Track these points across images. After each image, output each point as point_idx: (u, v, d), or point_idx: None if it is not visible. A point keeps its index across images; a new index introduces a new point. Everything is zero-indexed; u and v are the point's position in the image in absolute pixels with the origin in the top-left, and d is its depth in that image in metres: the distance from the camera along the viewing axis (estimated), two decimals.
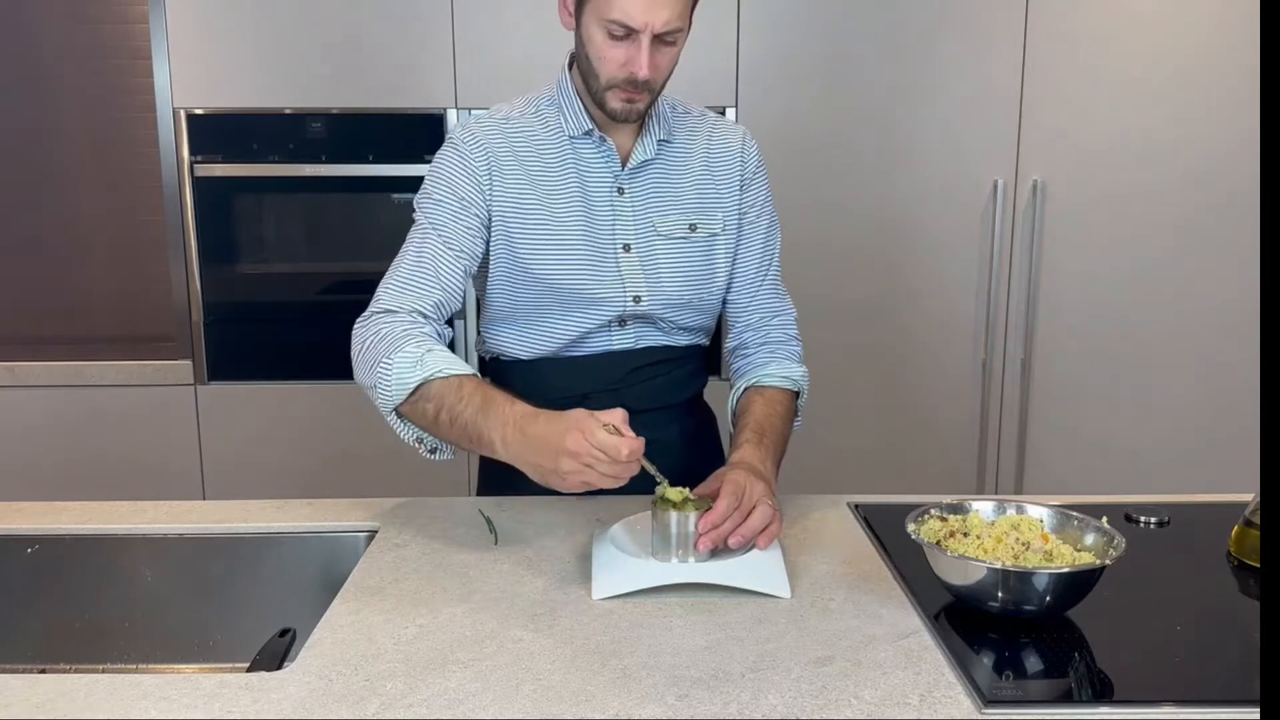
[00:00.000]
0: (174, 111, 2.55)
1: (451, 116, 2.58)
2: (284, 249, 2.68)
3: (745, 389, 1.53)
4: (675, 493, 1.24)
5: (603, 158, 1.47)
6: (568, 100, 1.46)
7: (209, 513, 1.46)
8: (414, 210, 1.47)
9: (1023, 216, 2.66)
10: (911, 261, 2.69)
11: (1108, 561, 1.09)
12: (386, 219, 2.65)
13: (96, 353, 2.77)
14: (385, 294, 1.40)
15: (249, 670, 1.12)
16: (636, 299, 1.48)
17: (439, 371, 1.29)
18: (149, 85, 2.59)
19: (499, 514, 1.43)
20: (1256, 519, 1.27)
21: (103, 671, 1.35)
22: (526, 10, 2.54)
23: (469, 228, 1.43)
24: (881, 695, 0.97)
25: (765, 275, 1.57)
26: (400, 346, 1.31)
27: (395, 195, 2.63)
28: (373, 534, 1.38)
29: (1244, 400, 2.71)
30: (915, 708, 0.95)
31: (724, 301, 1.58)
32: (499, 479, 1.49)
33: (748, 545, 1.24)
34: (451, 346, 1.38)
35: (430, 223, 1.43)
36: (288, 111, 2.56)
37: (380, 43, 2.54)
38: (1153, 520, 1.41)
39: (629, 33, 1.32)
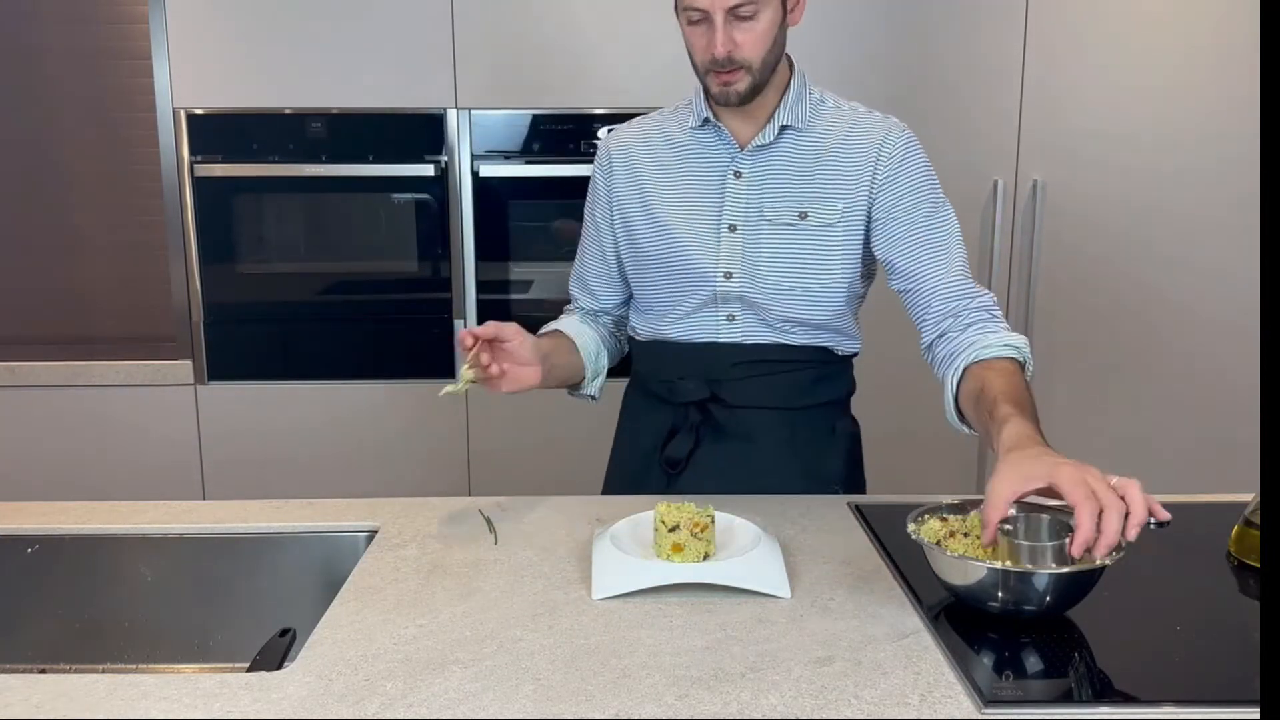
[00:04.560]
0: (174, 112, 2.55)
1: (451, 116, 2.58)
2: (284, 249, 2.68)
3: (966, 368, 1.36)
4: (670, 512, 1.23)
5: (720, 143, 1.53)
6: (696, 94, 1.53)
7: (209, 513, 1.46)
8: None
9: (1023, 216, 2.66)
10: None
11: (1108, 561, 1.09)
12: (386, 219, 2.65)
13: (96, 353, 2.77)
14: (571, 289, 1.72)
15: (249, 670, 1.12)
16: (728, 275, 1.51)
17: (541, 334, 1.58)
18: (149, 85, 2.59)
19: (499, 514, 1.43)
20: (1256, 519, 1.27)
21: (103, 671, 1.35)
22: (527, 11, 2.54)
23: (598, 247, 1.64)
24: (881, 695, 0.97)
25: (951, 262, 1.45)
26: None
27: (395, 195, 2.63)
28: (373, 534, 1.38)
29: (1244, 400, 2.71)
30: (915, 708, 0.95)
31: (902, 282, 1.48)
32: (624, 480, 1.65)
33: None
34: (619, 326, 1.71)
35: (585, 235, 1.67)
36: (288, 111, 2.56)
37: (380, 43, 2.54)
38: (1153, 520, 1.41)
39: (704, 15, 1.39)
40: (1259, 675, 0.91)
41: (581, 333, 1.62)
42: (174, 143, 2.56)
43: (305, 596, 1.36)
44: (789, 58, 1.52)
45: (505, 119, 2.59)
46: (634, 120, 1.64)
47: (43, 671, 1.35)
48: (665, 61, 2.38)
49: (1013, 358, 1.35)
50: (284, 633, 1.21)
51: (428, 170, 2.59)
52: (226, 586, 1.40)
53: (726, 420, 1.55)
